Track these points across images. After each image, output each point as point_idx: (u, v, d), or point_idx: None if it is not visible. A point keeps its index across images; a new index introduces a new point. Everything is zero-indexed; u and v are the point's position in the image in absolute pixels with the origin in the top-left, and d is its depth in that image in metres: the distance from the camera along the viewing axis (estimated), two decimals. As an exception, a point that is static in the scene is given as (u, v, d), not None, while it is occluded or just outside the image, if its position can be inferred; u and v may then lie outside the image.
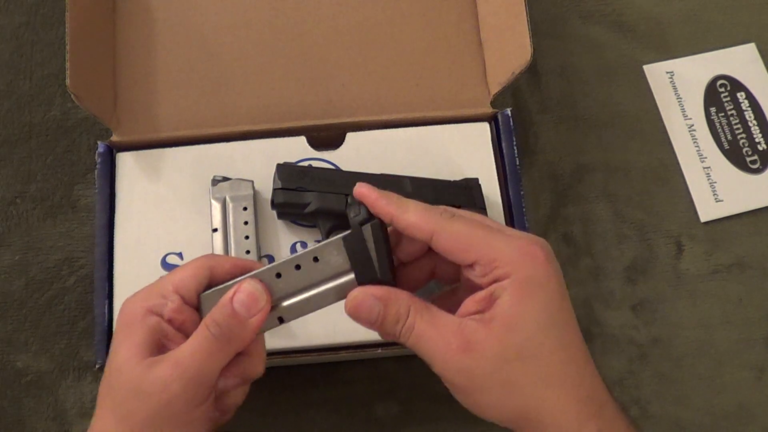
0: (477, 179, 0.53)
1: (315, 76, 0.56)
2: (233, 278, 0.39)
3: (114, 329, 0.40)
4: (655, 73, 0.64)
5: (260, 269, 0.39)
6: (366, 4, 0.58)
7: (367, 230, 0.38)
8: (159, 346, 0.38)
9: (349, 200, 0.36)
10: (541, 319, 0.36)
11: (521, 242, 0.37)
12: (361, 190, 0.39)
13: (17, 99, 0.61)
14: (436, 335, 0.37)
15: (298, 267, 0.38)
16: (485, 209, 0.52)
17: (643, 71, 0.65)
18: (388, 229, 0.40)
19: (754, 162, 0.62)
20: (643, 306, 0.58)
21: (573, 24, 0.66)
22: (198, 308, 0.39)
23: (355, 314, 0.38)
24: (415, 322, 0.37)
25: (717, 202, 0.60)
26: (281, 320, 0.39)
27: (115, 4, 0.57)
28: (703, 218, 0.60)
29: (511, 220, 0.53)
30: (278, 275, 0.39)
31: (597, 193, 0.61)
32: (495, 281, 0.37)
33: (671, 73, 0.64)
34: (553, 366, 0.37)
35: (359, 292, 0.38)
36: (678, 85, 0.64)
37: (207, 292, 0.39)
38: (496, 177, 0.54)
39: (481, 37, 0.58)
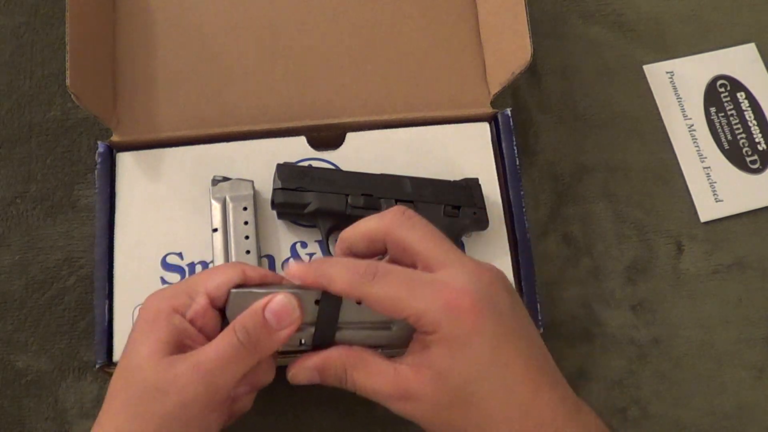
0: (477, 179, 0.53)
1: (315, 76, 0.56)
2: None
3: (135, 325, 0.39)
4: (655, 73, 0.65)
5: (297, 290, 0.39)
6: (366, 4, 0.58)
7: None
8: (180, 346, 0.38)
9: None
10: (469, 372, 0.36)
11: (449, 295, 0.37)
12: (290, 271, 0.38)
13: (17, 99, 0.61)
14: (377, 385, 0.38)
15: (359, 302, 0.38)
16: (485, 209, 0.52)
17: (643, 71, 0.65)
18: None
19: (754, 162, 0.62)
20: (643, 306, 0.58)
21: (573, 24, 0.66)
22: (224, 306, 0.39)
23: (296, 382, 0.40)
24: (354, 379, 0.39)
25: (717, 202, 0.60)
26: (301, 342, 0.39)
27: (115, 4, 0.57)
28: (703, 218, 0.60)
29: (511, 220, 0.53)
30: (317, 302, 0.39)
31: (597, 193, 0.61)
32: (425, 333, 0.37)
33: (671, 73, 0.64)
34: (491, 410, 0.37)
35: (294, 367, 0.39)
36: (678, 85, 0.64)
37: (238, 290, 0.39)
38: (496, 177, 0.54)
39: (481, 37, 0.58)
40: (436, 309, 0.36)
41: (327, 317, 0.39)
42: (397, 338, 0.39)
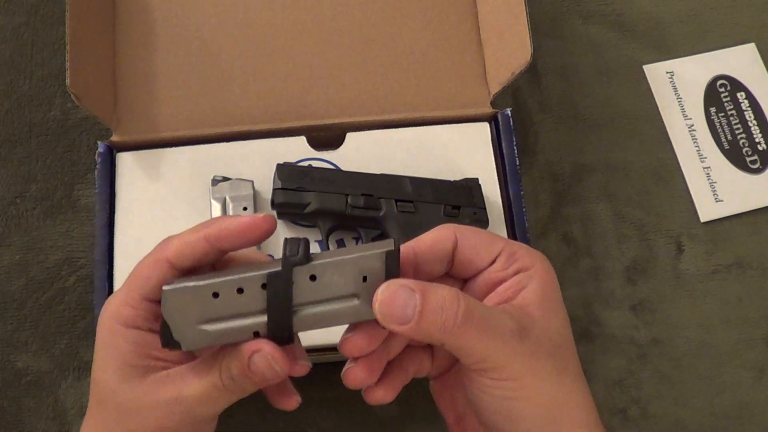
0: (477, 179, 0.53)
1: (315, 76, 0.56)
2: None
3: (96, 342, 0.37)
4: (655, 73, 0.65)
5: (238, 276, 0.34)
6: (366, 4, 0.58)
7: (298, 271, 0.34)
8: (149, 359, 0.36)
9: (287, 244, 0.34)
10: (563, 311, 0.36)
11: (523, 244, 0.37)
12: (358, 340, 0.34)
13: (17, 99, 0.61)
14: (499, 319, 0.33)
15: (313, 278, 0.34)
16: (485, 209, 0.52)
17: (643, 71, 0.65)
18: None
19: (754, 162, 0.62)
20: (643, 306, 0.58)
21: (573, 24, 0.66)
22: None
23: (387, 311, 0.32)
24: (469, 305, 0.33)
25: (717, 202, 0.60)
26: (255, 336, 0.35)
27: (115, 4, 0.57)
28: (703, 218, 0.60)
29: (511, 220, 0.53)
30: (263, 286, 0.34)
31: (597, 193, 0.61)
32: (519, 271, 0.36)
33: (671, 73, 0.64)
34: (577, 363, 0.36)
35: (390, 284, 0.33)
36: (678, 85, 0.64)
37: (171, 287, 0.34)
38: (496, 177, 0.54)
39: (481, 37, 0.58)
40: (526, 250, 0.36)
41: (278, 301, 0.33)
42: (365, 310, 0.34)
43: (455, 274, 0.37)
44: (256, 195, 0.52)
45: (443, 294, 0.33)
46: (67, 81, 0.47)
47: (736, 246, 0.60)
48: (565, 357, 0.35)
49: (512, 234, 0.53)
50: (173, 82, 0.56)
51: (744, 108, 0.63)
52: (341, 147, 0.55)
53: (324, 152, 0.54)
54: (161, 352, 0.36)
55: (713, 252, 0.60)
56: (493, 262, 0.36)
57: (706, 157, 0.62)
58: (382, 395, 0.37)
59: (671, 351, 0.57)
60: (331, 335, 0.50)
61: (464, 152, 0.55)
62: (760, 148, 0.62)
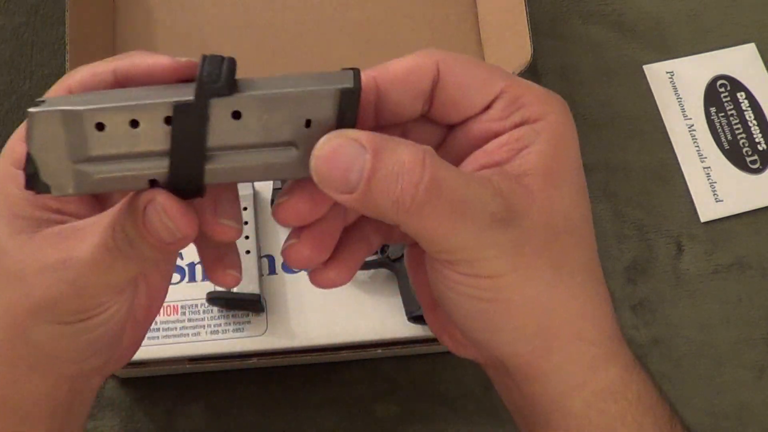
0: (477, 179, 0.53)
1: (315, 76, 0.56)
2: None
3: None
4: (655, 73, 0.64)
5: (133, 102, 0.24)
6: (366, 4, 0.58)
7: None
8: (43, 208, 0.28)
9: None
10: (578, 179, 0.27)
11: (537, 85, 0.28)
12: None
13: (17, 99, 0.61)
14: (476, 195, 0.24)
15: (236, 115, 0.24)
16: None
17: (643, 71, 0.64)
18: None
19: (754, 162, 0.62)
20: (643, 306, 0.58)
21: (573, 24, 0.66)
22: None
23: (326, 172, 0.24)
24: (441, 182, 0.24)
25: (717, 202, 0.60)
26: (151, 184, 0.25)
27: (115, 4, 0.57)
28: (703, 218, 0.60)
29: (511, 220, 0.53)
30: (167, 120, 0.24)
31: (597, 193, 0.61)
32: (523, 123, 0.27)
33: (671, 73, 0.64)
34: (593, 247, 0.28)
35: (334, 136, 0.24)
36: (678, 85, 0.64)
37: (42, 109, 0.24)
38: (496, 177, 0.54)
39: (481, 37, 0.58)
40: (538, 91, 0.27)
41: (186, 142, 0.24)
42: (304, 165, 0.25)
43: (435, 117, 0.28)
44: (256, 195, 0.52)
45: (403, 155, 0.23)
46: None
47: (736, 246, 0.60)
48: (568, 249, 0.27)
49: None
50: (173, 82, 0.56)
51: (744, 108, 0.63)
52: (341, 147, 0.55)
53: (324, 152, 0.54)
54: (61, 202, 0.28)
55: (713, 252, 0.60)
56: (489, 107, 0.27)
57: (706, 157, 0.62)
58: (334, 276, 0.28)
59: (671, 351, 0.57)
60: (331, 335, 0.50)
61: (464, 152, 0.55)
62: (760, 148, 0.62)
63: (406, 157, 0.23)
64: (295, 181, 0.26)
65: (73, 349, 0.29)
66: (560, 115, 0.27)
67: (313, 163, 0.24)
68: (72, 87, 0.27)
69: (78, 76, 0.28)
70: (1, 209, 0.28)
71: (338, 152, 0.24)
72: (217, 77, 0.25)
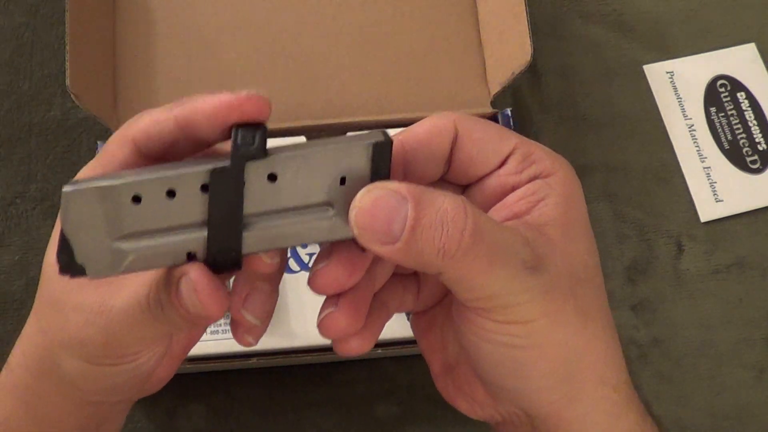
0: (477, 179, 0.53)
1: (315, 76, 0.56)
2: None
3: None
4: (655, 73, 0.64)
5: (171, 173, 0.24)
6: (366, 4, 0.58)
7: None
8: None
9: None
10: (591, 235, 0.29)
11: (546, 147, 0.29)
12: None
13: (17, 99, 0.61)
14: (511, 241, 0.25)
15: (272, 177, 0.24)
16: (485, 209, 0.52)
17: (643, 71, 0.64)
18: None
19: (754, 162, 0.62)
20: (643, 306, 0.58)
21: (573, 24, 0.66)
22: None
23: (368, 224, 0.24)
24: (478, 221, 0.24)
25: (717, 202, 0.60)
26: (190, 256, 0.25)
27: (115, 4, 0.57)
28: (703, 218, 0.60)
29: (511, 220, 0.53)
30: (203, 188, 0.24)
31: (597, 193, 0.61)
32: (536, 177, 0.28)
33: (671, 73, 0.64)
34: (605, 302, 0.29)
35: (373, 188, 0.24)
36: (678, 85, 0.64)
37: (76, 187, 0.24)
38: (496, 177, 0.54)
39: (481, 37, 0.58)
40: (544, 149, 0.28)
41: (225, 210, 0.24)
42: (341, 225, 0.25)
43: (453, 178, 0.29)
44: None
45: (445, 204, 0.24)
46: (67, 81, 0.47)
47: (736, 246, 0.60)
48: (589, 296, 0.28)
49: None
50: (173, 82, 0.56)
51: (744, 108, 0.63)
52: (341, 147, 0.55)
53: (324, 152, 0.54)
54: None
55: (713, 252, 0.60)
56: (503, 163, 0.28)
57: (706, 157, 0.62)
58: (359, 345, 0.28)
59: (671, 351, 0.57)
60: (331, 335, 0.50)
61: (464, 152, 0.55)
62: (760, 148, 0.62)
63: (448, 206, 0.24)
64: (331, 246, 0.26)
65: (99, 388, 0.30)
66: (568, 172, 0.28)
67: (353, 215, 0.24)
68: (135, 136, 0.27)
69: (140, 124, 0.27)
70: (53, 240, 0.29)
71: (379, 203, 0.24)
72: (252, 140, 0.24)
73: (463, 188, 0.29)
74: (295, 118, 0.55)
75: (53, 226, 0.60)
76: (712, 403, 0.56)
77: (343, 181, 0.25)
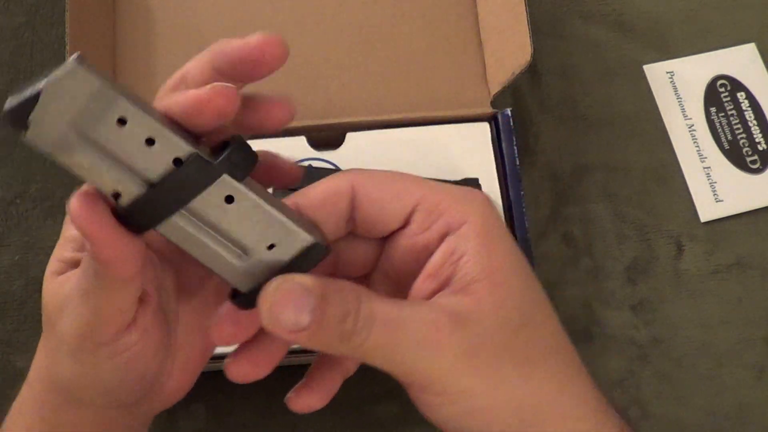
0: (477, 179, 0.53)
1: (315, 76, 0.56)
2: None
3: None
4: (655, 73, 0.64)
5: (184, 143, 0.25)
6: (366, 4, 0.58)
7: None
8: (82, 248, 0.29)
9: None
10: (523, 271, 0.28)
11: (457, 187, 0.28)
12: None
13: (17, 99, 0.61)
14: (415, 315, 0.26)
15: (229, 200, 0.26)
16: (485, 209, 0.52)
17: (643, 71, 0.65)
18: None
19: (754, 162, 0.62)
20: (643, 306, 0.58)
21: (573, 24, 0.66)
22: None
23: (275, 315, 0.25)
24: (374, 310, 0.25)
25: (717, 202, 0.60)
26: (115, 198, 0.25)
27: (115, 4, 0.57)
28: (703, 218, 0.60)
29: (511, 220, 0.53)
30: (177, 161, 0.25)
31: (597, 193, 0.61)
32: (446, 233, 0.27)
33: (671, 73, 0.64)
34: (556, 331, 0.28)
35: (280, 284, 0.25)
36: (678, 85, 0.64)
37: (86, 66, 0.24)
38: (496, 177, 0.54)
39: (481, 37, 0.58)
40: (453, 192, 0.27)
41: (176, 189, 0.25)
42: (242, 275, 0.26)
43: (362, 234, 0.29)
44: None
45: (349, 298, 0.25)
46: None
47: (736, 246, 0.60)
48: (532, 340, 0.27)
49: (512, 234, 0.53)
50: (173, 82, 0.56)
51: (744, 108, 0.63)
52: (341, 147, 0.55)
53: (324, 152, 0.54)
54: None
55: (713, 252, 0.60)
56: (409, 221, 0.28)
57: (706, 157, 0.62)
58: (312, 403, 0.31)
59: (671, 351, 0.57)
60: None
61: (464, 152, 0.55)
62: (760, 148, 0.62)
63: (349, 297, 0.25)
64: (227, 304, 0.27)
65: (96, 391, 0.30)
66: (481, 214, 0.27)
67: (265, 309, 0.25)
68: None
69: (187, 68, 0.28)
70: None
71: (288, 296, 0.25)
72: (240, 161, 0.25)
73: (382, 240, 0.29)
74: (296, 118, 0.55)
75: (53, 226, 0.60)
76: (712, 402, 0.56)
77: (271, 246, 0.26)
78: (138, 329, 0.29)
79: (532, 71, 0.64)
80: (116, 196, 0.25)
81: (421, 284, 0.28)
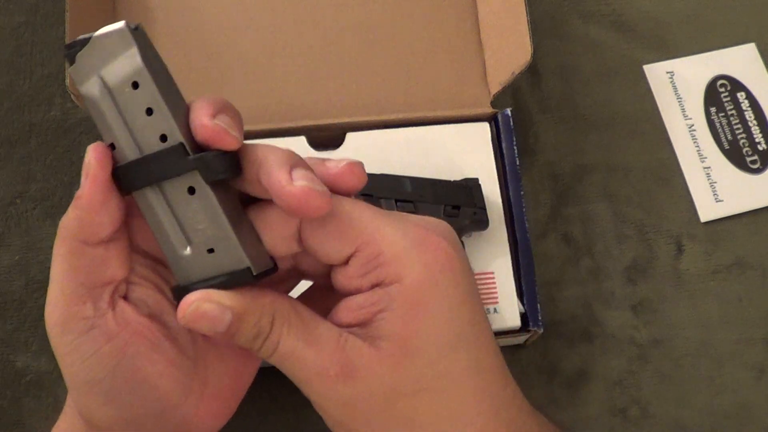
0: (477, 179, 0.53)
1: (315, 76, 0.56)
2: None
3: None
4: (655, 73, 0.64)
5: (179, 133, 0.29)
6: (366, 4, 0.58)
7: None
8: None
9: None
10: (445, 339, 0.28)
11: (417, 229, 0.28)
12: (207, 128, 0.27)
13: (17, 99, 0.61)
14: (310, 356, 0.28)
15: (191, 191, 0.29)
16: (485, 209, 0.52)
17: (643, 71, 0.64)
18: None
19: (754, 162, 0.62)
20: (643, 306, 0.58)
21: (573, 24, 0.66)
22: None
23: (191, 324, 0.28)
24: (280, 338, 0.28)
25: (717, 202, 0.60)
26: (112, 145, 0.30)
27: (115, 4, 0.57)
28: (703, 218, 0.60)
29: (511, 220, 0.53)
30: (163, 138, 0.29)
31: (597, 193, 0.61)
32: (378, 284, 0.28)
33: (671, 73, 0.64)
34: (463, 398, 0.29)
35: (201, 300, 0.28)
36: (678, 85, 0.64)
37: (138, 32, 0.30)
38: (496, 177, 0.54)
39: (481, 37, 0.58)
40: (403, 242, 0.28)
41: (157, 165, 0.29)
42: (181, 266, 0.29)
43: (312, 255, 0.30)
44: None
45: (262, 319, 0.28)
46: (67, 81, 0.47)
47: (736, 246, 0.60)
48: (418, 406, 0.28)
49: (512, 234, 0.53)
50: (173, 82, 0.56)
51: (744, 108, 0.63)
52: (341, 147, 0.55)
53: (324, 152, 0.54)
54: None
55: (713, 252, 0.60)
56: (348, 262, 0.29)
57: (706, 157, 0.62)
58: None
59: (671, 351, 0.57)
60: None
61: (464, 152, 0.55)
62: (760, 148, 0.62)
63: (263, 321, 0.28)
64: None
65: (117, 420, 0.31)
66: (420, 274, 0.27)
67: (181, 317, 0.28)
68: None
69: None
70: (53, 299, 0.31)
71: (206, 314, 0.28)
72: (216, 167, 0.28)
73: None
74: (295, 118, 0.55)
75: (53, 226, 0.60)
76: (712, 403, 0.56)
77: (210, 251, 0.29)
78: (116, 317, 0.30)
79: (532, 71, 0.64)
80: (111, 146, 0.30)
81: (342, 312, 0.29)
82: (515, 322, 0.51)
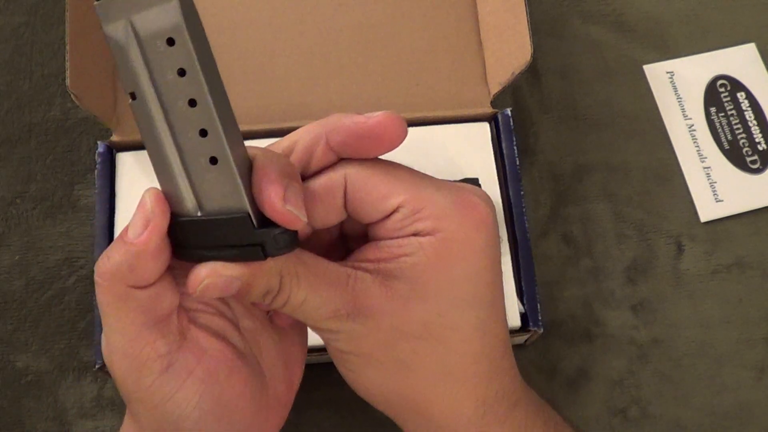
0: (477, 179, 0.53)
1: (315, 76, 0.56)
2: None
3: None
4: (655, 73, 0.64)
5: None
6: (366, 4, 0.58)
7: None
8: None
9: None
10: (461, 293, 0.29)
11: (457, 190, 0.30)
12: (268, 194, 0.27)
13: (17, 99, 0.61)
14: (319, 303, 0.29)
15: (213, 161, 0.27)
16: (485, 209, 0.52)
17: (643, 71, 0.65)
18: None
19: (754, 162, 0.62)
20: (643, 306, 0.58)
21: (573, 24, 0.66)
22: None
23: (203, 294, 0.28)
24: (290, 292, 0.28)
25: (717, 202, 0.60)
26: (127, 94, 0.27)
27: (115, 4, 0.57)
28: (703, 218, 0.60)
29: (511, 220, 0.53)
30: (181, 72, 0.27)
31: (597, 193, 0.61)
32: (413, 235, 0.29)
33: (671, 73, 0.64)
34: (462, 356, 0.29)
35: (210, 275, 0.27)
36: (678, 85, 0.64)
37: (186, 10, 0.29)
38: (496, 177, 0.54)
39: (481, 37, 0.58)
40: (445, 202, 0.29)
41: (216, 237, 0.27)
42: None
43: (352, 217, 0.31)
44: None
45: (271, 281, 0.28)
46: (67, 81, 0.47)
47: (736, 246, 0.60)
48: (418, 351, 0.29)
49: (512, 234, 0.53)
50: (173, 82, 0.56)
51: (744, 108, 0.63)
52: (341, 147, 0.54)
53: (324, 152, 0.54)
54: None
55: (713, 252, 0.60)
56: (390, 216, 0.29)
57: (706, 157, 0.62)
58: None
59: (671, 351, 0.57)
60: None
61: (464, 152, 0.55)
62: (760, 148, 0.62)
63: (272, 281, 0.28)
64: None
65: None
66: (454, 231, 0.29)
67: (191, 289, 0.28)
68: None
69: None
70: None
71: (216, 284, 0.27)
72: (283, 244, 0.27)
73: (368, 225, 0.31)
74: (295, 118, 0.55)
75: (53, 226, 0.60)
76: (712, 403, 0.56)
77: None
78: (191, 348, 0.30)
79: (532, 71, 0.64)
80: (133, 96, 0.27)
81: (364, 249, 0.30)
82: (515, 322, 0.51)
